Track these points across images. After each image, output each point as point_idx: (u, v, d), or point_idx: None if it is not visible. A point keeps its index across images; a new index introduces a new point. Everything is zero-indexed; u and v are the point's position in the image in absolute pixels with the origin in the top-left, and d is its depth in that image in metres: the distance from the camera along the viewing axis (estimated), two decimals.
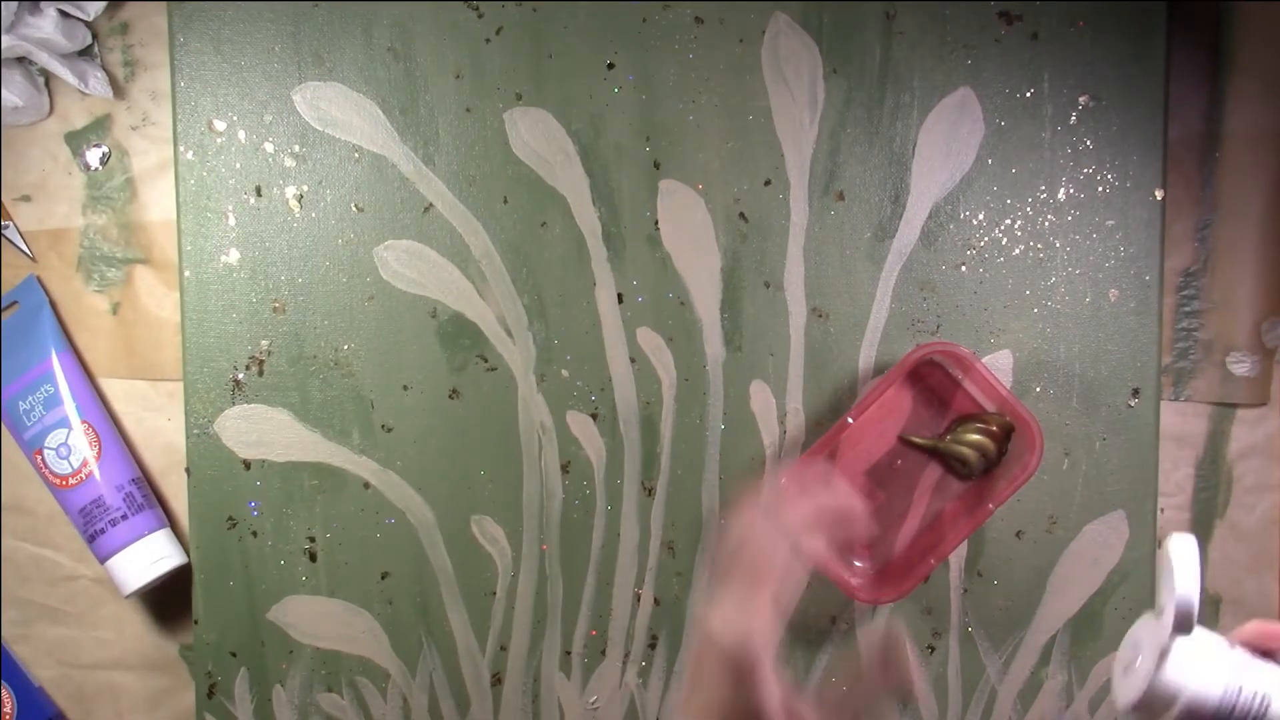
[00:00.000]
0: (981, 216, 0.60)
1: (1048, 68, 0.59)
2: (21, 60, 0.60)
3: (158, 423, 0.62)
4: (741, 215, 0.60)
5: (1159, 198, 0.60)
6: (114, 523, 0.58)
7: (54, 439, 0.59)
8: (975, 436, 0.55)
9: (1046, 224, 0.60)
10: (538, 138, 0.59)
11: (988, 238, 0.60)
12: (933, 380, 0.58)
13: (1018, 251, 0.60)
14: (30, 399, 0.59)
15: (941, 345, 0.55)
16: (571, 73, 0.59)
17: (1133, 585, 0.60)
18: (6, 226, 0.62)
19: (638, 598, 0.61)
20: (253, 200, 0.59)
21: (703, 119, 0.59)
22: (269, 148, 0.59)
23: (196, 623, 0.60)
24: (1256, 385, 0.62)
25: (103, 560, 0.59)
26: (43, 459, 0.59)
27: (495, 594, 0.60)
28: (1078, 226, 0.60)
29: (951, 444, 0.56)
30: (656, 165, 0.59)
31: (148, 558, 0.59)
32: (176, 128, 0.59)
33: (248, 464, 0.59)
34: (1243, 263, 0.61)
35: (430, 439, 0.60)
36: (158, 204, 0.61)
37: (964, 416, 0.58)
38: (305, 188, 0.59)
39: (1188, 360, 0.62)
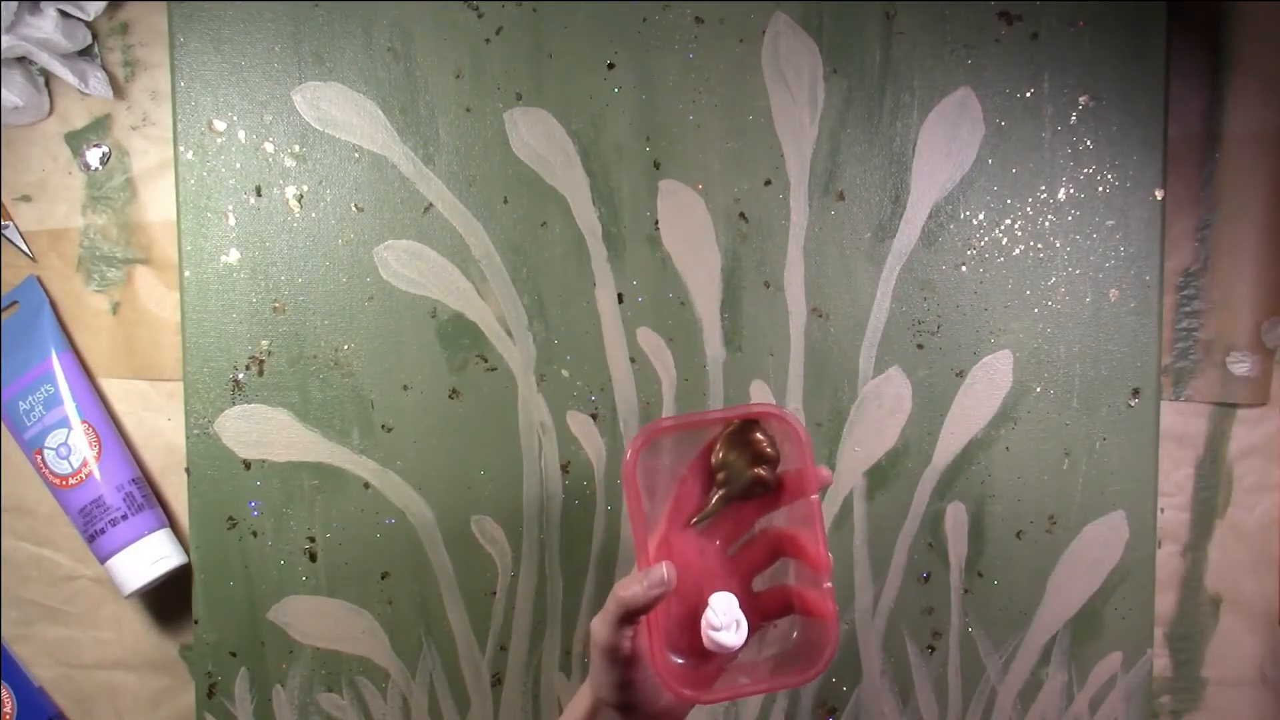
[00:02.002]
0: (982, 216, 0.60)
1: (1048, 68, 0.59)
2: (21, 60, 0.60)
3: (158, 423, 0.62)
4: (741, 215, 0.60)
5: (1159, 198, 0.60)
6: (114, 523, 0.58)
7: (54, 439, 0.59)
8: (749, 459, 0.47)
9: (1046, 224, 0.60)
10: (538, 138, 0.59)
11: (988, 238, 0.60)
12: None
13: (1018, 251, 0.60)
14: (30, 399, 0.59)
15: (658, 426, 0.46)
16: (571, 73, 0.59)
17: (1133, 585, 0.60)
18: (6, 226, 0.62)
19: None
20: (253, 200, 0.59)
21: (703, 119, 0.59)
22: (269, 148, 0.59)
23: (196, 623, 0.60)
24: (1256, 385, 0.62)
25: (103, 560, 0.59)
26: (43, 459, 0.59)
27: (495, 594, 0.60)
28: (1078, 226, 0.60)
29: (739, 483, 0.47)
30: (656, 165, 0.59)
31: (148, 558, 0.59)
32: (176, 128, 0.59)
33: (248, 464, 0.59)
34: (1243, 263, 0.61)
35: (430, 439, 0.60)
36: (158, 204, 0.61)
37: (718, 446, 0.47)
38: (305, 188, 0.59)
39: (1188, 360, 0.62)
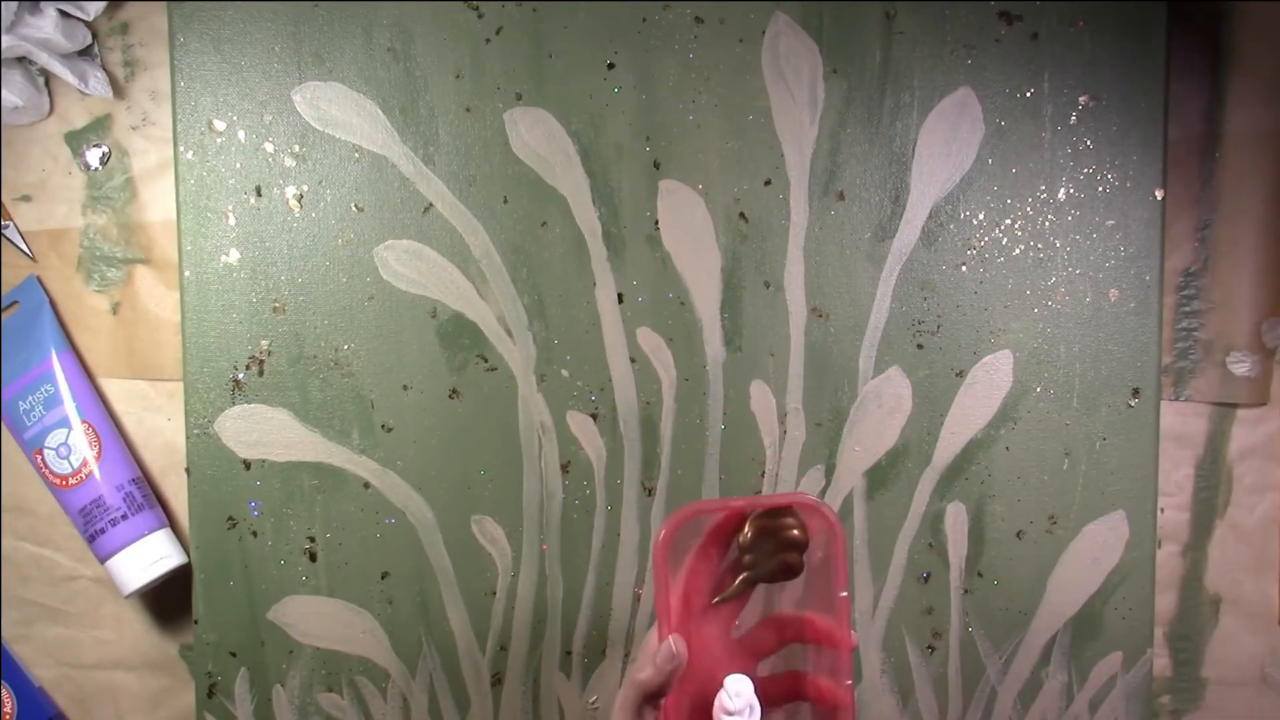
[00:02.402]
0: (981, 216, 0.60)
1: (1048, 68, 0.59)
2: (21, 60, 0.60)
3: (158, 423, 0.62)
4: (741, 215, 0.60)
5: (1159, 198, 0.60)
6: (114, 523, 0.58)
7: (54, 439, 0.59)
8: (776, 544, 0.45)
9: (1046, 224, 0.60)
10: (538, 138, 0.59)
11: (988, 238, 0.60)
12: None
13: (1018, 251, 0.60)
14: (30, 399, 0.59)
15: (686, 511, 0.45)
16: (571, 73, 0.59)
17: (1133, 585, 0.60)
18: (6, 226, 0.62)
19: (638, 598, 0.61)
20: (253, 200, 0.59)
21: (703, 119, 0.59)
22: (269, 148, 0.59)
23: (196, 623, 0.60)
24: (1256, 385, 0.62)
25: (103, 560, 0.59)
26: (43, 459, 0.59)
27: (495, 594, 0.60)
28: (1078, 226, 0.60)
29: (766, 567, 0.45)
30: (656, 165, 0.59)
31: (148, 558, 0.59)
32: (176, 128, 0.59)
33: (248, 464, 0.59)
34: (1243, 263, 0.61)
35: (430, 439, 0.60)
36: (158, 204, 0.61)
37: (746, 527, 0.45)
38: (305, 188, 0.59)
39: (1188, 360, 0.62)
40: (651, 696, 0.43)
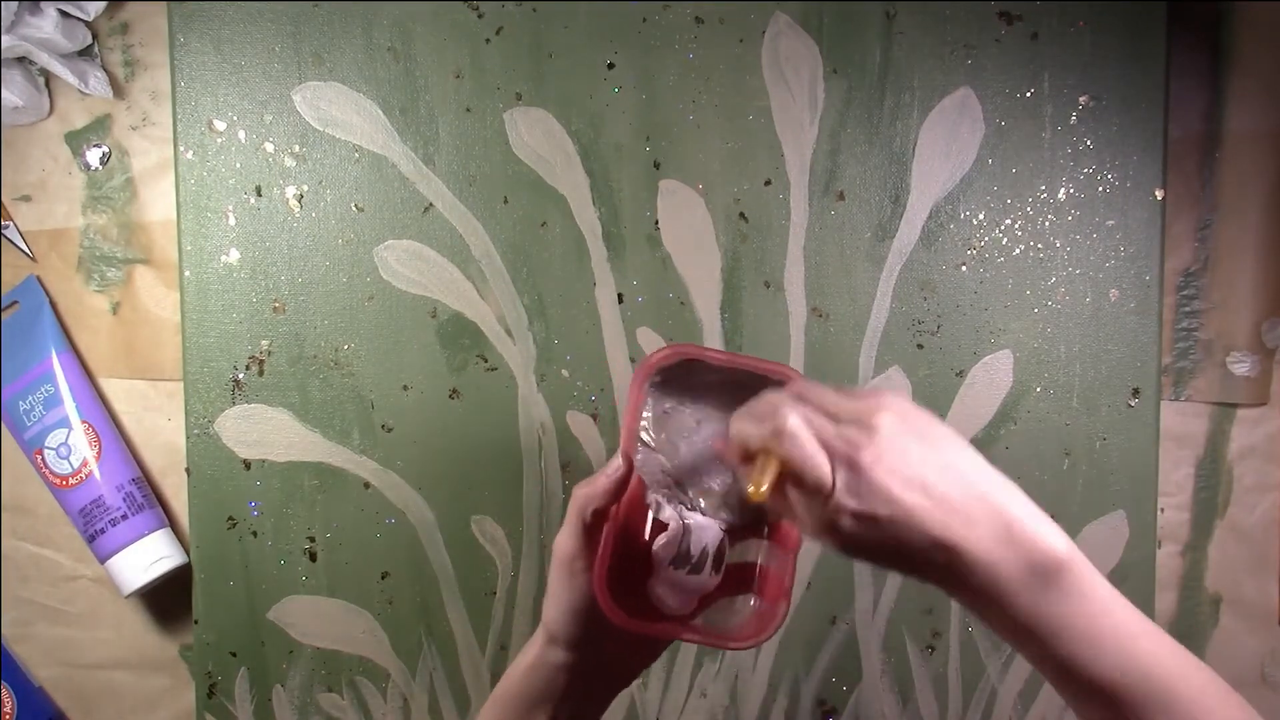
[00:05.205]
0: (982, 216, 0.60)
1: (1048, 68, 0.59)
2: (21, 60, 0.60)
3: (158, 423, 0.62)
4: (741, 215, 0.60)
5: (1159, 198, 0.60)
6: (114, 523, 0.58)
7: (54, 439, 0.59)
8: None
9: (1047, 224, 0.60)
10: (538, 138, 0.59)
11: (988, 238, 0.60)
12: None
13: (1018, 251, 0.60)
14: (30, 399, 0.59)
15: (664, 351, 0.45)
16: (571, 73, 0.59)
17: (1133, 585, 0.60)
18: (6, 226, 0.62)
19: None
20: (253, 200, 0.59)
21: (703, 119, 0.59)
22: (269, 148, 0.59)
23: (196, 623, 0.60)
24: (1256, 385, 0.62)
25: (103, 560, 0.59)
26: (43, 459, 0.59)
27: (495, 594, 0.60)
28: (1078, 226, 0.60)
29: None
30: (656, 165, 0.59)
31: (148, 558, 0.59)
32: (176, 128, 0.59)
33: (248, 464, 0.59)
34: (1243, 263, 0.61)
35: (430, 439, 0.60)
36: (158, 204, 0.61)
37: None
38: (305, 188, 0.59)
39: (1188, 360, 0.62)
40: (595, 514, 0.43)
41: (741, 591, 0.46)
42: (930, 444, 0.37)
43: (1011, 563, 0.36)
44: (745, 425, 0.39)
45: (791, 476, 0.38)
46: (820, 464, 0.37)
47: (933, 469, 0.37)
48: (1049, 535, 0.37)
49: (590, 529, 0.43)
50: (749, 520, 0.45)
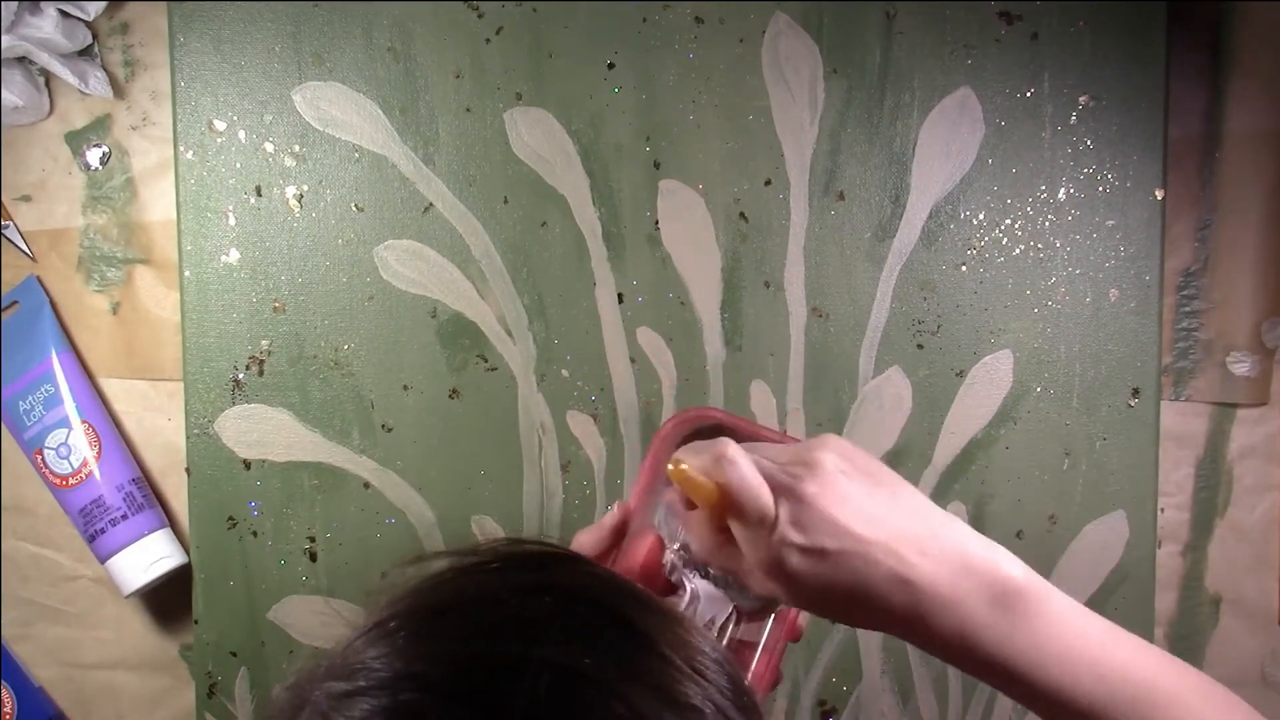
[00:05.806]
0: (982, 216, 0.60)
1: (1048, 68, 0.59)
2: (21, 60, 0.60)
3: (158, 423, 0.62)
4: (741, 215, 0.60)
5: (1159, 198, 0.60)
6: (114, 523, 0.58)
7: (54, 439, 0.59)
8: None
9: (1047, 224, 0.60)
10: (538, 138, 0.59)
11: (988, 238, 0.60)
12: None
13: (1018, 251, 0.60)
14: (30, 399, 0.59)
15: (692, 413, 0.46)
16: (571, 73, 0.59)
17: (1133, 585, 0.60)
18: (6, 226, 0.62)
19: None
20: (253, 200, 0.59)
21: (703, 119, 0.59)
22: (269, 147, 0.59)
23: (196, 623, 0.60)
24: (1256, 385, 0.62)
25: (103, 560, 0.59)
26: (43, 459, 0.59)
27: None
28: (1078, 226, 0.60)
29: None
30: (656, 165, 0.59)
31: (148, 558, 0.59)
32: (176, 128, 0.59)
33: (248, 464, 0.59)
34: (1243, 263, 0.61)
35: (430, 439, 0.60)
36: (158, 204, 0.61)
37: None
38: (305, 187, 0.59)
39: (1188, 360, 0.62)
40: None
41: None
42: (875, 480, 0.37)
43: (973, 594, 0.36)
44: (686, 457, 0.39)
45: (733, 508, 0.37)
46: (761, 492, 0.36)
47: (880, 503, 0.36)
48: (1004, 562, 0.36)
49: None
50: (757, 608, 0.45)
